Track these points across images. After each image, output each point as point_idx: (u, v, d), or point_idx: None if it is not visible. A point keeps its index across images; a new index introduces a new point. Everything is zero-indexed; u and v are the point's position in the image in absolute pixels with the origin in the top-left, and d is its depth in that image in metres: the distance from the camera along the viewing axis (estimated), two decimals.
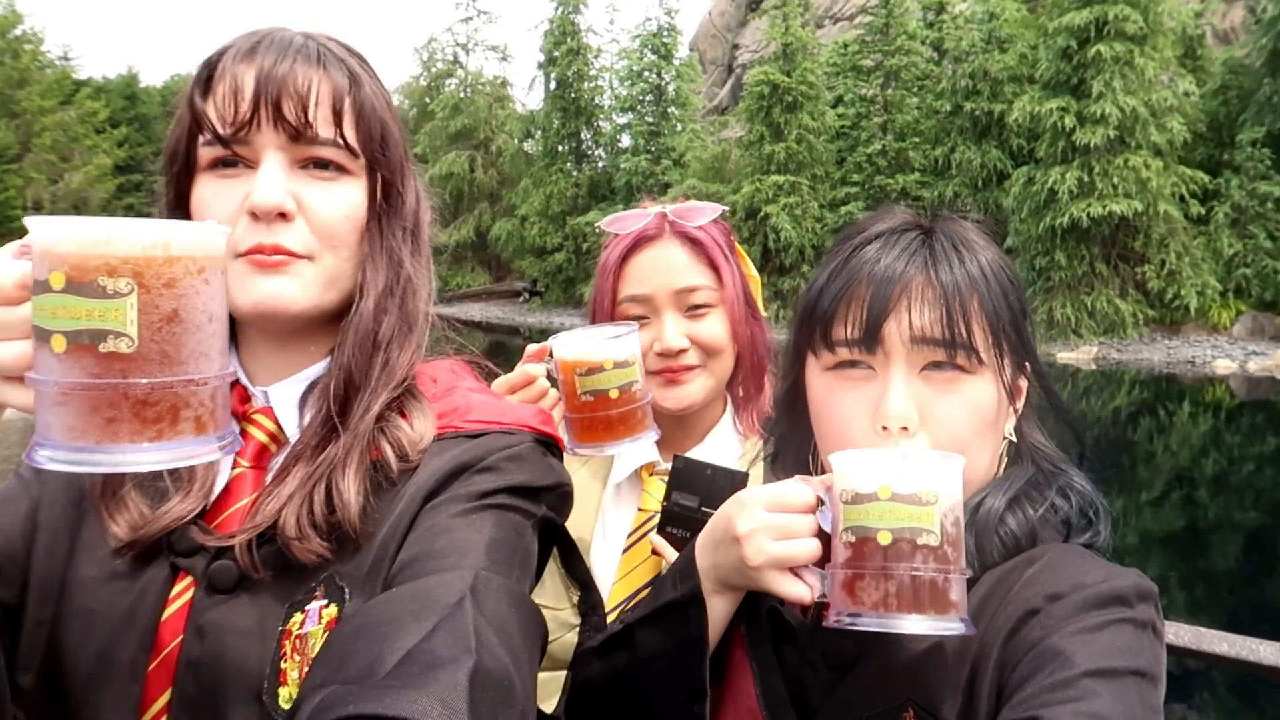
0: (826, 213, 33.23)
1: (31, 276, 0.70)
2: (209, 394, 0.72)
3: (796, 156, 33.27)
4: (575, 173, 41.82)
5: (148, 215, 1.13)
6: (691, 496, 1.49)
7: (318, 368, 1.09)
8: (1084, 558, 0.95)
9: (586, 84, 42.39)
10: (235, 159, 1.03)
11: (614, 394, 1.36)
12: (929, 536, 0.84)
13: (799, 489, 0.96)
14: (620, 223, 1.64)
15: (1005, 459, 1.05)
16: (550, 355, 1.45)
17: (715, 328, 1.60)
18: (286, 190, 1.01)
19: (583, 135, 42.61)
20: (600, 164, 42.55)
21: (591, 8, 44.69)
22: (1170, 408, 19.78)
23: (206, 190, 1.04)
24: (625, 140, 41.32)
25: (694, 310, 1.59)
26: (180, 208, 1.07)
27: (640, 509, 1.63)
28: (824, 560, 0.94)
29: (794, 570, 0.95)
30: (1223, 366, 23.28)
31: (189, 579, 0.97)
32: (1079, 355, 25.26)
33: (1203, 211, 27.09)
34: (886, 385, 0.97)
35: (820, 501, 0.95)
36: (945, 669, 0.91)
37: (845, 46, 36.81)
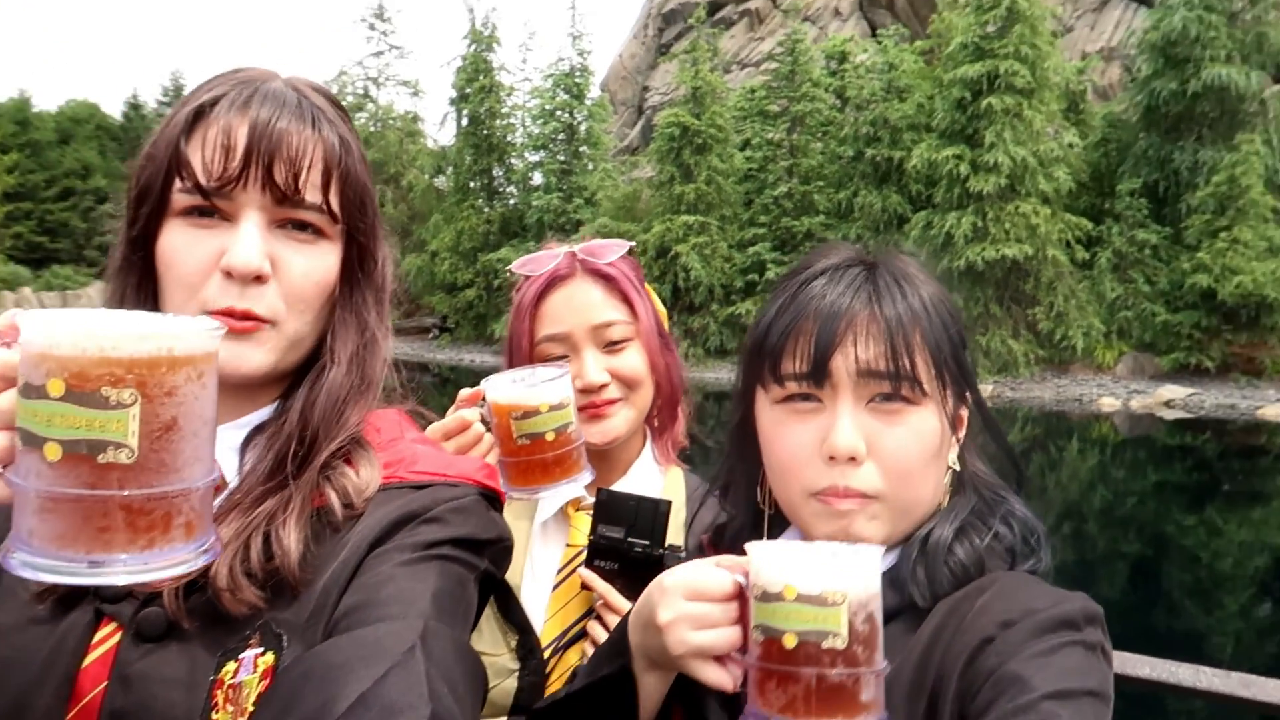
0: (735, 253, 33.84)
1: (20, 374, 0.67)
2: (199, 498, 0.70)
3: (706, 197, 33.86)
4: (486, 209, 41.59)
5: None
6: (617, 528, 1.52)
7: (261, 413, 1.08)
8: (1031, 584, 0.97)
9: (499, 121, 42.35)
10: (212, 209, 1.01)
11: (550, 436, 1.37)
12: (835, 639, 0.82)
13: (717, 576, 0.96)
14: (532, 264, 1.66)
15: (949, 488, 1.08)
16: (483, 400, 1.46)
17: (634, 360, 1.63)
18: (264, 253, 1.01)
19: (494, 172, 42.46)
20: (512, 201, 42.44)
21: (505, 46, 44.67)
22: (1060, 444, 20.64)
23: (178, 237, 1.02)
24: (537, 178, 41.39)
25: (612, 345, 1.62)
26: (144, 249, 1.04)
27: (568, 544, 1.65)
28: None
29: (719, 657, 0.95)
30: (1108, 404, 24.45)
31: (113, 625, 0.93)
32: None
33: (1087, 257, 28.58)
34: (834, 417, 0.99)
35: (741, 588, 0.94)
36: (905, 699, 0.92)
37: (753, 92, 37.75)
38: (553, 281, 1.63)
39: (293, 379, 1.10)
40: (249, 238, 0.99)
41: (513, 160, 42.83)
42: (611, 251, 1.66)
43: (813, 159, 34.47)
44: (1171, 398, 24.48)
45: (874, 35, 43.89)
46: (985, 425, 1.11)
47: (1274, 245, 25.77)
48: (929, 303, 1.04)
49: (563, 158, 40.13)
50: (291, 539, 0.95)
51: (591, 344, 1.62)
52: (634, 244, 1.73)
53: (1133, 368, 27.18)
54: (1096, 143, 30.87)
